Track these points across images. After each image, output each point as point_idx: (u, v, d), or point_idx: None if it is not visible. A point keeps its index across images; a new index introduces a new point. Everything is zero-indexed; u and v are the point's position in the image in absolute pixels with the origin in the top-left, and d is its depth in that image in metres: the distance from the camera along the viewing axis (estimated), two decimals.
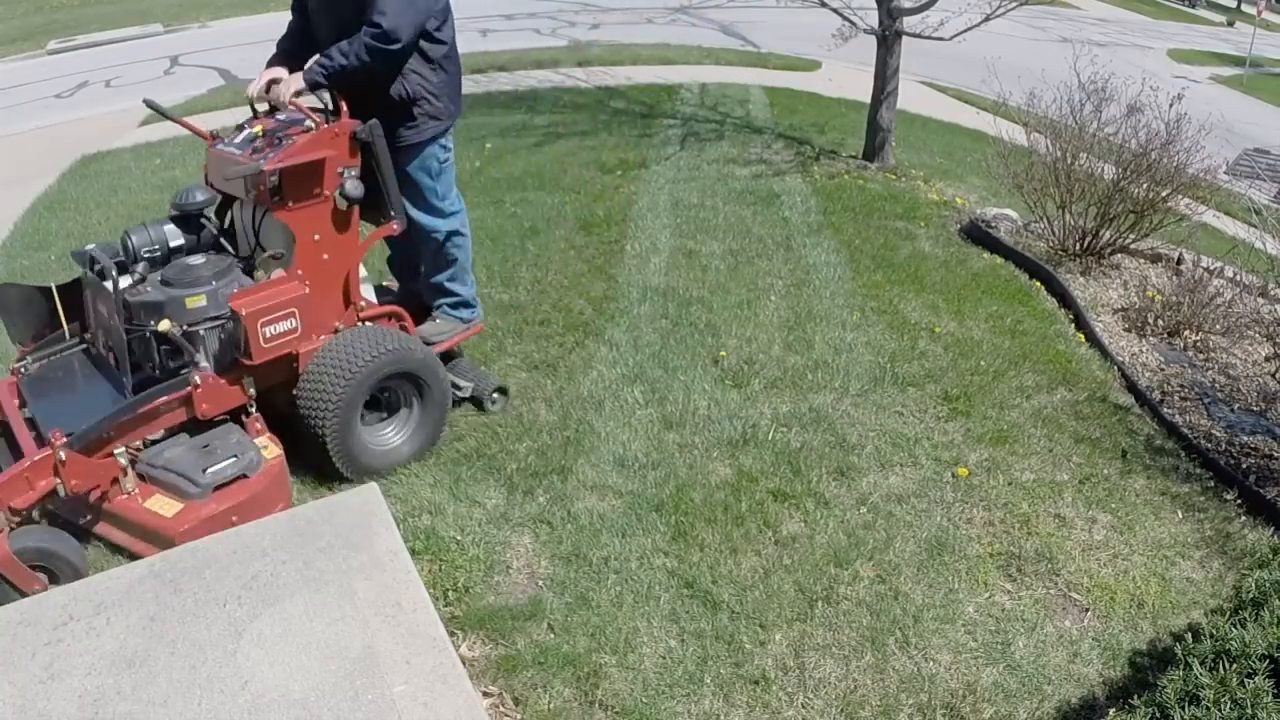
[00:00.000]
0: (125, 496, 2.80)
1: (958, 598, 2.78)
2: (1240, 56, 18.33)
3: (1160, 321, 4.60)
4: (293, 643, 2.26)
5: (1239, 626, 2.06)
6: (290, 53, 3.31)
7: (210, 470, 2.82)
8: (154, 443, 2.98)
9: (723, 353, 4.06)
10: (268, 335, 2.86)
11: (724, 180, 6.57)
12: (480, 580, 2.79)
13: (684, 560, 2.87)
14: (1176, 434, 3.65)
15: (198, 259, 3.06)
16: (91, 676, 2.17)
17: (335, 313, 3.16)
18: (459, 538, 2.94)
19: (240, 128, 3.19)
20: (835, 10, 7.31)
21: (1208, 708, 1.85)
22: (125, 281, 2.92)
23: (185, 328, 2.87)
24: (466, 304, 3.69)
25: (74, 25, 15.71)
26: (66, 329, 3.22)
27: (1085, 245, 5.27)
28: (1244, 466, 3.47)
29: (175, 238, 3.09)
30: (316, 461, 3.12)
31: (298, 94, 3.02)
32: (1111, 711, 2.14)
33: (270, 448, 3.02)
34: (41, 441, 2.74)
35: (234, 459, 2.87)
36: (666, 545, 2.93)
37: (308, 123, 3.01)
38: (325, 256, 3.06)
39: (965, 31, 6.84)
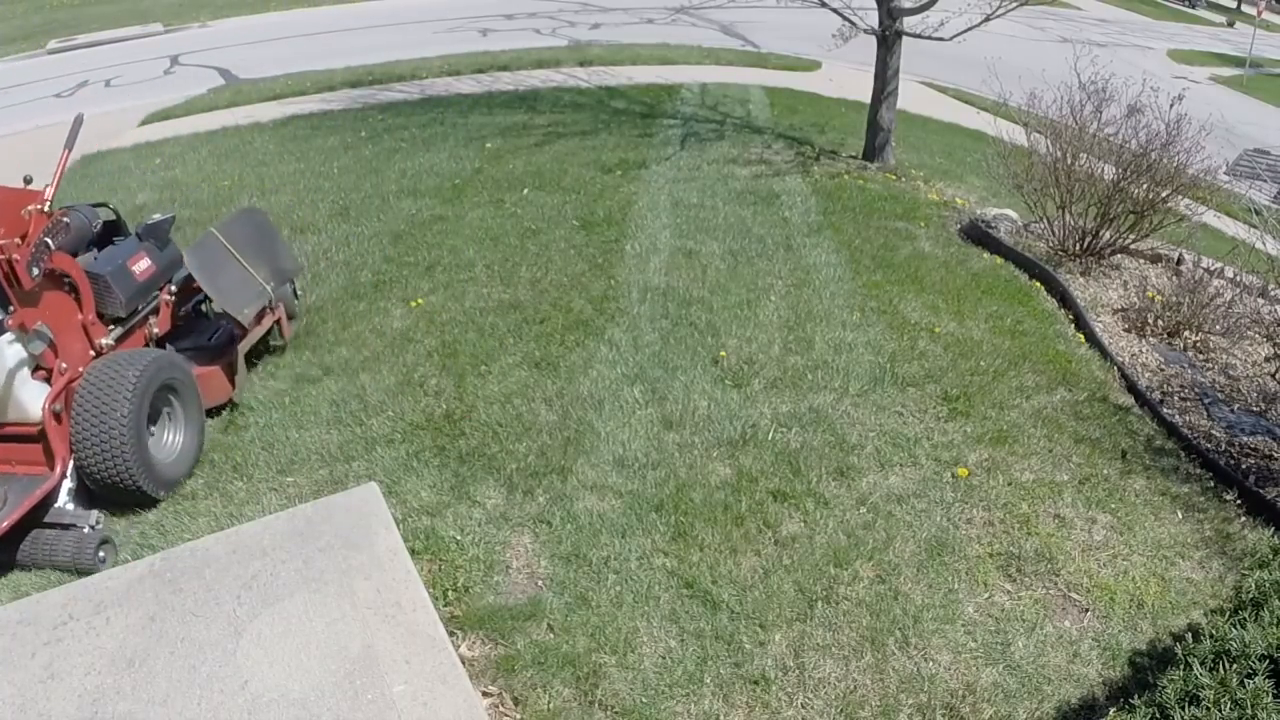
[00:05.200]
0: None
1: (957, 598, 2.78)
2: (1240, 57, 18.32)
3: (1160, 322, 4.60)
4: (292, 642, 2.26)
5: (1239, 627, 2.06)
6: None
7: None
8: None
9: (723, 353, 4.06)
10: None
11: (724, 180, 6.56)
12: (480, 580, 2.79)
13: (684, 560, 2.87)
14: (1176, 434, 3.65)
15: None
16: (91, 676, 2.18)
17: None
18: (459, 538, 2.94)
19: None
20: (835, 10, 7.31)
21: (1208, 708, 1.85)
22: None
23: None
24: None
25: (74, 25, 15.74)
26: None
27: (1085, 245, 5.27)
28: (1244, 467, 3.47)
29: None
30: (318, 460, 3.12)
31: None
32: (1111, 711, 2.14)
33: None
34: None
35: None
36: (666, 545, 2.93)
37: None
38: None
39: (965, 32, 6.84)
